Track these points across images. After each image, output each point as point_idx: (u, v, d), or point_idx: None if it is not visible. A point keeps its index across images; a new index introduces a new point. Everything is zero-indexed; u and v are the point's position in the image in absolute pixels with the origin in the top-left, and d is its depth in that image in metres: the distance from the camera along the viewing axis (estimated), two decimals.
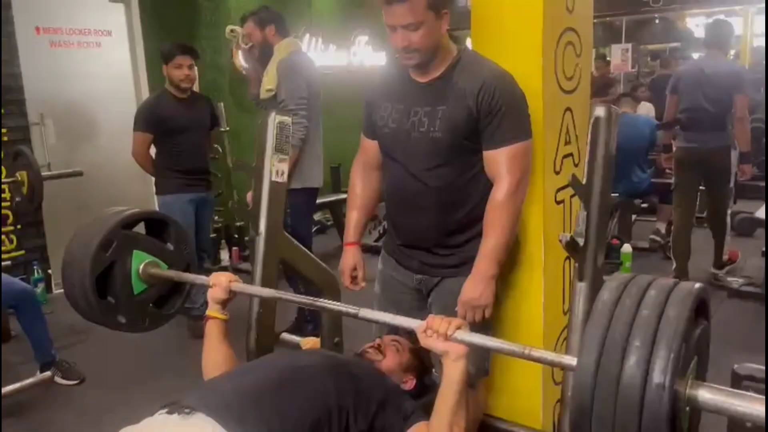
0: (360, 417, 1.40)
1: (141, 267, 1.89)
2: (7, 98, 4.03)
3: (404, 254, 1.86)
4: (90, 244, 1.82)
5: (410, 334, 1.64)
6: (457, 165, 1.71)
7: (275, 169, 2.06)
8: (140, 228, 1.99)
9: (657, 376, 0.92)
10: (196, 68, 3.55)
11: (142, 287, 1.90)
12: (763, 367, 1.58)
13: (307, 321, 3.35)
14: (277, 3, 5.47)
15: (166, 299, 2.02)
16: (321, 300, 1.62)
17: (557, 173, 1.93)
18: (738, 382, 2.24)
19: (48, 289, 4.28)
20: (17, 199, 3.71)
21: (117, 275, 1.85)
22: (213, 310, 1.71)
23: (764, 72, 8.62)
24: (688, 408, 1.01)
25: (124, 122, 4.78)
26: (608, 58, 8.99)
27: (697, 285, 1.03)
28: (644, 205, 4.95)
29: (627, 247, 4.28)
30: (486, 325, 1.76)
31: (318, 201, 3.75)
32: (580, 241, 1.43)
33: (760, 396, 0.95)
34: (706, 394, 0.99)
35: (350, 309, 1.48)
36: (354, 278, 1.96)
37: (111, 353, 3.42)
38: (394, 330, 1.77)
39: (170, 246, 2.00)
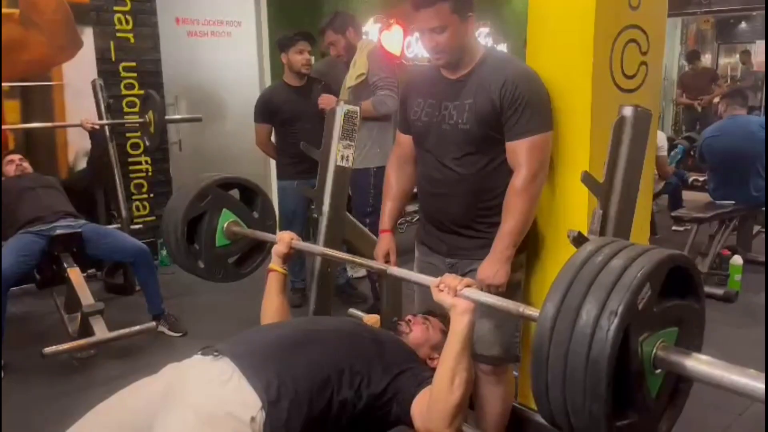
0: (374, 382, 1.51)
1: (226, 224, 2.18)
2: (149, 81, 4.52)
3: (435, 239, 1.97)
4: (189, 193, 2.15)
5: (444, 317, 1.75)
6: (484, 154, 1.83)
7: (341, 154, 2.23)
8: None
9: (603, 325, 0.97)
10: (312, 54, 3.68)
11: (225, 242, 2.20)
12: None
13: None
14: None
15: (245, 259, 2.30)
16: (357, 257, 1.88)
17: None
18: None
19: None
20: (147, 143, 4.22)
21: (205, 226, 2.16)
22: (275, 264, 1.95)
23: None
24: (659, 370, 1.05)
25: (248, 107, 5.16)
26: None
27: (671, 251, 1.07)
28: None
29: (737, 259, 3.98)
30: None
31: None
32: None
33: (741, 367, 0.96)
34: (684, 360, 1.01)
35: (380, 266, 1.74)
36: (387, 262, 2.08)
37: (215, 315, 3.77)
38: (431, 313, 1.87)
39: (256, 214, 2.28)
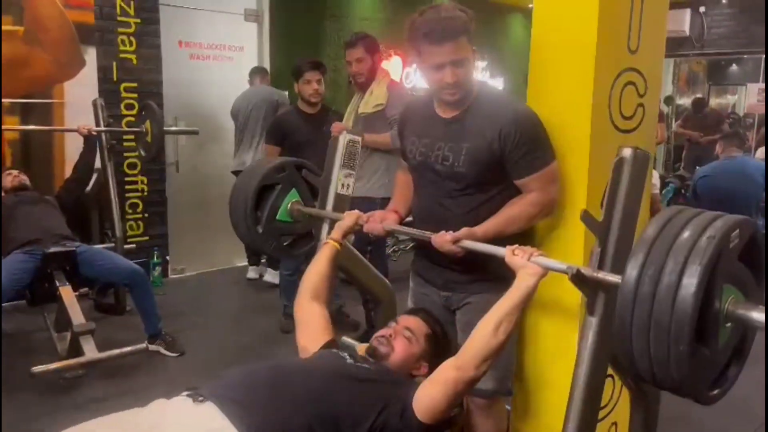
0: (361, 424, 1.49)
1: (291, 203, 2.32)
2: (149, 102, 4.55)
3: (430, 271, 1.99)
4: (269, 163, 2.35)
5: (429, 315, 1.83)
6: (480, 193, 1.85)
7: (341, 182, 2.26)
8: None
9: (685, 288, 1.10)
10: (323, 83, 3.70)
11: (285, 218, 2.32)
12: None
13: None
14: (400, 29, 5.75)
15: (295, 243, 2.42)
16: (410, 228, 1.97)
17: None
18: None
19: (164, 273, 4.74)
20: (143, 153, 4.22)
21: (273, 198, 2.29)
22: (334, 236, 2.01)
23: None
24: (729, 324, 1.18)
25: None
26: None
27: (738, 217, 1.18)
28: None
29: None
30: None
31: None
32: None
33: None
34: (750, 313, 1.16)
35: (427, 234, 1.82)
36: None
37: (210, 337, 3.78)
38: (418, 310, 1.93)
39: (317, 205, 2.35)
